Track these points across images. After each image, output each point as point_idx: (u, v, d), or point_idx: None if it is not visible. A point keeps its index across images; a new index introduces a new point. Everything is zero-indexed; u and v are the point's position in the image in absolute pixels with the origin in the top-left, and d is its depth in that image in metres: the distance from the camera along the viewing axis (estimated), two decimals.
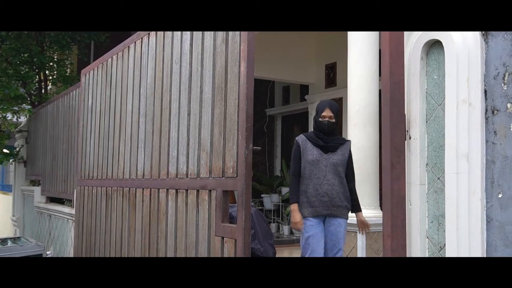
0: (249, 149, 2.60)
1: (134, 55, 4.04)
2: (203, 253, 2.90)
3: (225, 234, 2.72)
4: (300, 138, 3.74)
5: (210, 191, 2.88)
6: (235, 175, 2.66)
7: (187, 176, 3.12)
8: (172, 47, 3.41)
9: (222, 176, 2.76)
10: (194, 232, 3.01)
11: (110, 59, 4.57)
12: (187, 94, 3.20)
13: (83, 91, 5.28)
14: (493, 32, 1.99)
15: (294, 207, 3.68)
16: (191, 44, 3.18)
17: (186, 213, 3.10)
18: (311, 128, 8.71)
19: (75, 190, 6.53)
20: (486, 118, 2.00)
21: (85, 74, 5.26)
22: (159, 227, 3.41)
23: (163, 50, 3.54)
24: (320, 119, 3.71)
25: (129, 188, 3.91)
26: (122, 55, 4.28)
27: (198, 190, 3.00)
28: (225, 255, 2.71)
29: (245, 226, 2.56)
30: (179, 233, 3.18)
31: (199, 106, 3.06)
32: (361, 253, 4.44)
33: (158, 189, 3.45)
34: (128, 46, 4.15)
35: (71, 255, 6.60)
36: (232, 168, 2.69)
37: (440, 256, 2.17)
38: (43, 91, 9.61)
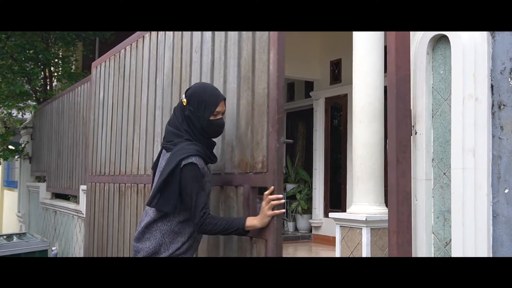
0: (281, 142, 2.39)
1: (149, 45, 3.81)
2: (228, 254, 2.71)
3: (254, 233, 2.46)
4: (198, 160, 2.42)
5: (236, 187, 2.66)
6: (265, 170, 2.45)
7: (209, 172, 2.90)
8: (192, 35, 3.20)
9: (250, 172, 2.56)
10: None
11: (123, 50, 4.36)
12: None
13: (94, 85, 5.08)
14: None
15: (248, 222, 2.37)
16: (213, 32, 2.97)
17: None
18: (316, 125, 8.78)
19: (80, 186, 6.55)
20: (493, 113, 1.99)
21: (96, 67, 5.06)
22: None
23: (182, 39, 3.33)
24: (212, 118, 2.49)
25: (144, 185, 3.73)
26: (136, 46, 4.06)
27: (221, 187, 2.78)
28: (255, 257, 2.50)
29: (277, 225, 2.35)
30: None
31: None
32: (365, 250, 4.44)
33: None
34: (143, 36, 3.94)
35: (76, 251, 6.62)
36: (261, 162, 2.48)
37: (446, 252, 2.16)
38: (48, 87, 9.64)
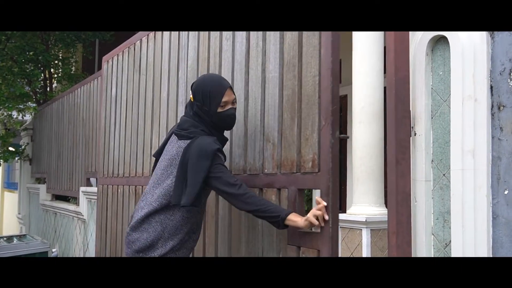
0: (336, 137, 2.11)
1: (169, 35, 3.51)
2: None
3: (303, 243, 2.20)
4: (220, 150, 2.32)
5: (279, 189, 2.37)
6: (317, 170, 2.16)
7: (244, 172, 2.61)
8: None
9: (297, 172, 2.27)
10: (256, 239, 2.49)
11: (138, 42, 4.06)
12: (243, 75, 2.66)
13: (105, 80, 4.80)
14: None
15: (292, 216, 2.15)
16: None
17: (242, 215, 2.57)
18: None
19: (80, 188, 6.55)
20: (492, 114, 1.99)
21: (107, 61, 4.77)
22: (207, 232, 2.91)
23: None
24: (220, 110, 2.32)
25: None
26: (154, 36, 3.75)
27: (261, 189, 2.49)
28: None
29: (332, 233, 2.07)
30: (234, 240, 2.68)
31: (261, 88, 2.53)
32: (366, 251, 4.43)
33: None
34: None
35: (77, 253, 6.62)
36: (311, 161, 2.19)
37: (445, 253, 2.16)
38: (48, 89, 9.65)
